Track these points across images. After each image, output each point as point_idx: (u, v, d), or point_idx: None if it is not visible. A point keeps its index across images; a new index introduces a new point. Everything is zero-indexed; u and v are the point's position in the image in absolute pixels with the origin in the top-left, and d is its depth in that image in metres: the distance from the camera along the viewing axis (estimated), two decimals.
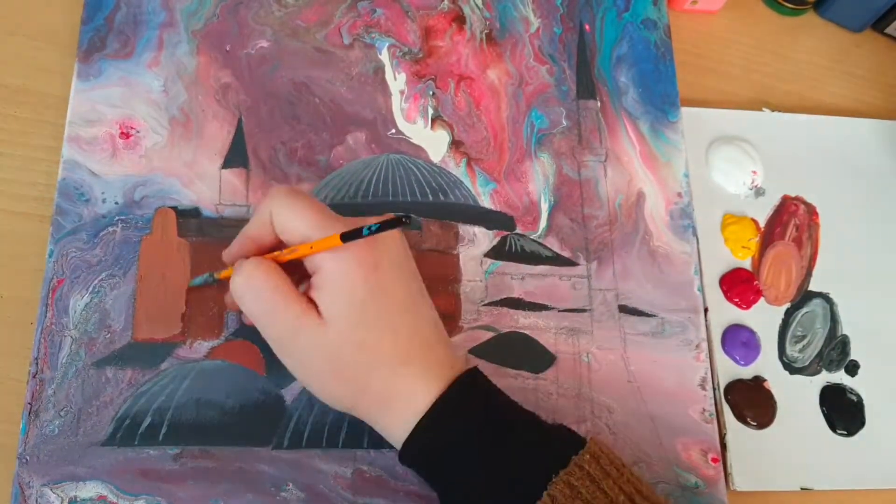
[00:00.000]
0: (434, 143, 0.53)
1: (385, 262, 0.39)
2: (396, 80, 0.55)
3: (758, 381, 0.52)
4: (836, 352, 0.54)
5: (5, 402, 0.45)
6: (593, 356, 0.50)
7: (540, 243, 0.52)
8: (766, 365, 0.52)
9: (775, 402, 0.51)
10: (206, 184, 0.50)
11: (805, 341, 0.53)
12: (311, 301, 0.39)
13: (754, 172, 0.57)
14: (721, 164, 0.57)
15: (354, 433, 0.46)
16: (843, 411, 0.52)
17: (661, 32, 0.58)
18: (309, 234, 0.38)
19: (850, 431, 0.51)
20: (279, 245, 0.41)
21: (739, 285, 0.54)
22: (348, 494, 0.45)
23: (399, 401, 0.39)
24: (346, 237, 0.36)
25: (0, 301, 0.47)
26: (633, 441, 0.48)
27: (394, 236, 0.40)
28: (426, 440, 0.38)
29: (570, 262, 0.52)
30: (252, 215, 0.41)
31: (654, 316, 0.51)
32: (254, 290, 0.39)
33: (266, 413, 0.46)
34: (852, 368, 0.53)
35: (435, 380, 0.39)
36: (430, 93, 0.55)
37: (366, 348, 0.38)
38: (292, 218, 0.39)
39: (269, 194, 0.40)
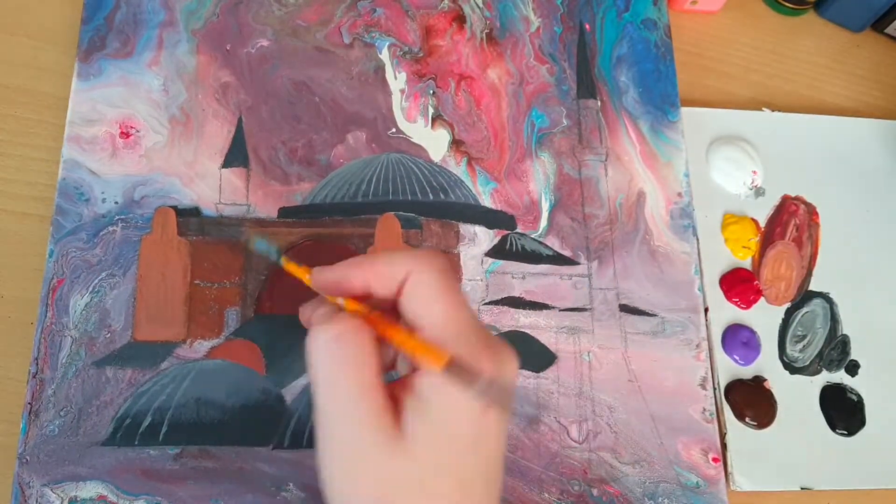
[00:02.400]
0: (434, 143, 0.53)
1: (496, 419, 0.31)
2: (397, 80, 0.55)
3: (758, 381, 0.52)
4: (837, 352, 0.54)
5: (5, 402, 0.45)
6: (594, 355, 0.50)
7: (540, 242, 0.52)
8: (767, 365, 0.52)
9: (775, 402, 0.51)
10: (206, 183, 0.50)
11: (805, 341, 0.53)
12: (393, 399, 0.31)
13: (754, 172, 0.57)
14: (721, 164, 0.56)
15: None
16: (843, 411, 0.52)
17: (661, 32, 0.59)
18: (441, 336, 0.30)
19: (850, 431, 0.51)
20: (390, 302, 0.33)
21: (739, 285, 0.54)
22: None
23: None
24: (451, 366, 0.29)
25: (0, 301, 0.47)
26: (634, 440, 0.48)
27: (514, 383, 0.32)
28: None
29: (570, 262, 0.52)
30: (380, 259, 0.33)
31: (655, 315, 0.51)
32: (342, 355, 0.31)
33: (266, 412, 0.46)
34: (852, 368, 0.53)
35: None
36: (431, 92, 0.55)
37: (428, 494, 0.30)
38: (433, 305, 0.31)
39: (422, 257, 0.32)
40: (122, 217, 0.48)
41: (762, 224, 0.56)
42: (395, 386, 0.32)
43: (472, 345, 0.30)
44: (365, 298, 0.33)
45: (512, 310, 0.50)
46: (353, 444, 0.30)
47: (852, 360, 0.53)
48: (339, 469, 0.31)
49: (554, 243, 0.52)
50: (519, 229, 0.52)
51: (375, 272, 0.32)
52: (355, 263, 0.33)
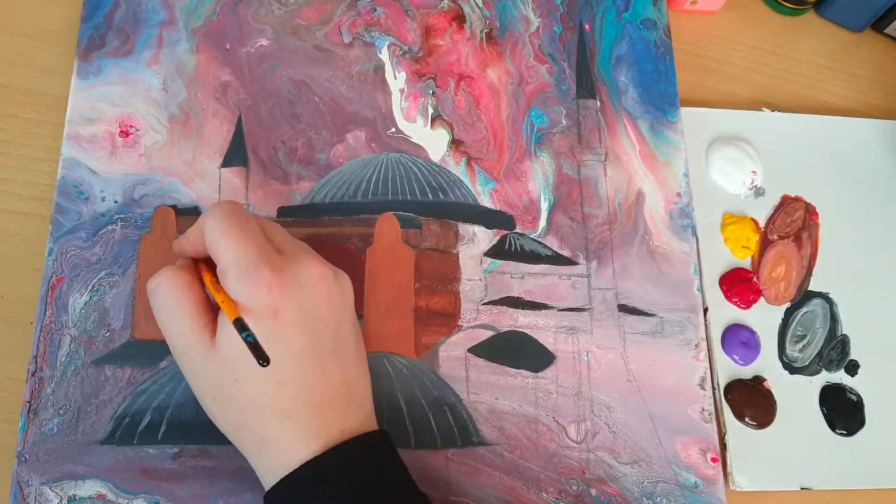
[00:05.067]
0: (434, 142, 0.53)
1: (290, 309, 0.37)
2: (396, 79, 0.55)
3: (758, 381, 0.52)
4: (836, 351, 0.54)
5: (4, 401, 0.45)
6: (593, 355, 0.50)
7: (540, 242, 0.52)
8: (766, 365, 0.52)
9: (775, 402, 0.51)
10: (205, 182, 0.50)
11: (805, 341, 0.53)
12: (216, 321, 0.39)
13: (754, 172, 0.57)
14: (721, 164, 0.56)
15: None
16: (842, 411, 0.52)
17: (660, 32, 0.58)
18: (227, 264, 0.38)
19: (850, 431, 0.51)
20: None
21: (739, 285, 0.54)
22: None
23: (272, 447, 0.38)
24: (237, 324, 0.36)
25: (0, 301, 0.47)
26: (633, 440, 0.48)
27: (320, 286, 0.39)
28: (284, 498, 0.37)
29: (569, 262, 0.52)
30: (195, 224, 0.41)
31: (654, 315, 0.51)
32: (162, 300, 0.40)
33: None
34: (852, 368, 0.53)
35: (315, 440, 0.37)
36: (430, 92, 0.55)
37: (244, 386, 0.38)
38: (219, 242, 0.39)
39: (210, 209, 0.40)
40: (122, 216, 0.48)
41: (762, 224, 0.56)
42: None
43: (244, 267, 0.38)
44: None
45: (511, 310, 0.50)
46: (187, 359, 0.40)
47: (852, 360, 0.53)
48: (187, 374, 0.40)
49: (553, 243, 0.52)
50: (518, 229, 0.52)
51: (190, 235, 0.41)
52: (184, 234, 0.42)
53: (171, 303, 0.39)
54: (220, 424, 0.40)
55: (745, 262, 0.55)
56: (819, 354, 0.53)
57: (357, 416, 0.40)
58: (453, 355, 0.49)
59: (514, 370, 0.49)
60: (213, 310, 0.40)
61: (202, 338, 0.38)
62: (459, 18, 0.57)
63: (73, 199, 0.48)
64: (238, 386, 0.38)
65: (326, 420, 0.38)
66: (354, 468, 0.37)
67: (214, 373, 0.38)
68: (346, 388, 0.39)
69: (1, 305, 0.47)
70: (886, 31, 0.64)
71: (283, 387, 0.38)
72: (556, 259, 0.52)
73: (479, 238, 0.51)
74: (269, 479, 0.38)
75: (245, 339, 0.36)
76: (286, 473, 0.37)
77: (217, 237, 0.38)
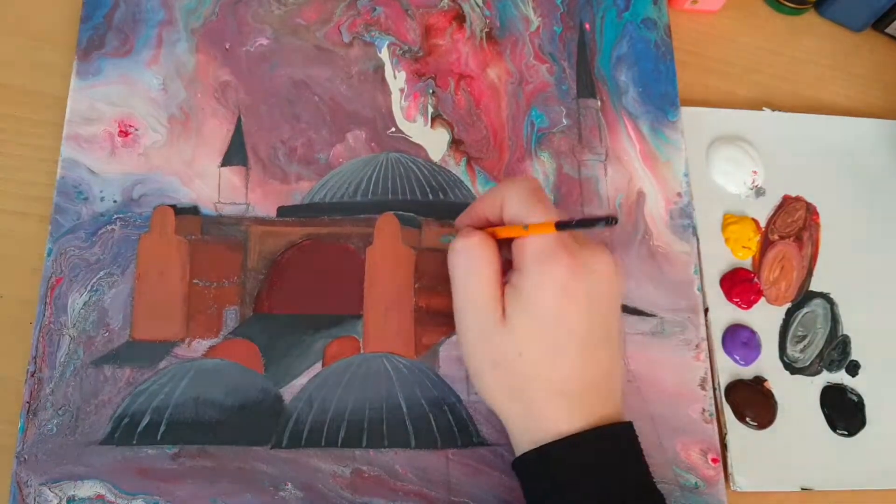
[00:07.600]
0: (434, 142, 0.53)
1: (582, 295, 0.39)
2: (396, 79, 0.55)
3: (758, 382, 0.51)
4: (837, 352, 0.53)
5: (4, 401, 0.45)
6: None
7: None
8: (767, 365, 0.52)
9: (776, 403, 0.51)
10: (205, 182, 0.50)
11: (806, 341, 0.53)
12: (504, 294, 0.41)
13: (754, 172, 0.57)
14: (721, 164, 0.56)
15: (353, 432, 0.46)
16: (843, 411, 0.52)
17: (661, 32, 0.58)
18: (529, 221, 0.40)
19: (851, 431, 0.51)
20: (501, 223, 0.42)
21: (740, 285, 0.53)
22: (347, 494, 0.45)
23: (538, 418, 0.40)
24: (560, 226, 0.37)
25: (0, 301, 0.47)
26: None
27: (607, 278, 0.40)
28: (540, 465, 0.40)
29: None
30: (486, 194, 0.43)
31: (654, 316, 0.51)
32: (468, 261, 0.41)
33: (265, 412, 0.46)
34: (853, 368, 0.53)
35: (578, 419, 0.39)
36: (430, 91, 0.55)
37: (527, 360, 0.40)
38: (525, 212, 0.40)
39: (511, 182, 0.42)
40: (121, 216, 0.48)
41: (762, 224, 0.56)
42: (504, 283, 0.41)
43: (543, 245, 0.39)
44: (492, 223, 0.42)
45: None
46: (475, 325, 0.41)
47: (853, 361, 0.53)
48: (467, 341, 0.42)
49: None
50: None
51: (484, 204, 0.42)
52: (473, 204, 0.44)
53: (480, 265, 0.40)
54: (488, 390, 0.42)
55: (746, 263, 0.55)
56: (820, 355, 0.53)
57: (613, 404, 0.41)
58: (453, 355, 0.48)
59: None
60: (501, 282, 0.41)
61: (497, 306, 0.40)
62: (459, 18, 0.57)
63: (73, 200, 0.48)
64: (521, 360, 0.39)
65: (591, 402, 0.40)
66: (610, 448, 0.40)
67: (501, 344, 0.40)
68: (608, 375, 0.41)
69: (0, 305, 0.47)
70: (887, 30, 0.63)
71: (561, 364, 0.40)
72: None
73: None
74: (524, 443, 0.40)
75: (580, 224, 0.37)
76: (548, 440, 0.39)
77: (523, 207, 0.40)
